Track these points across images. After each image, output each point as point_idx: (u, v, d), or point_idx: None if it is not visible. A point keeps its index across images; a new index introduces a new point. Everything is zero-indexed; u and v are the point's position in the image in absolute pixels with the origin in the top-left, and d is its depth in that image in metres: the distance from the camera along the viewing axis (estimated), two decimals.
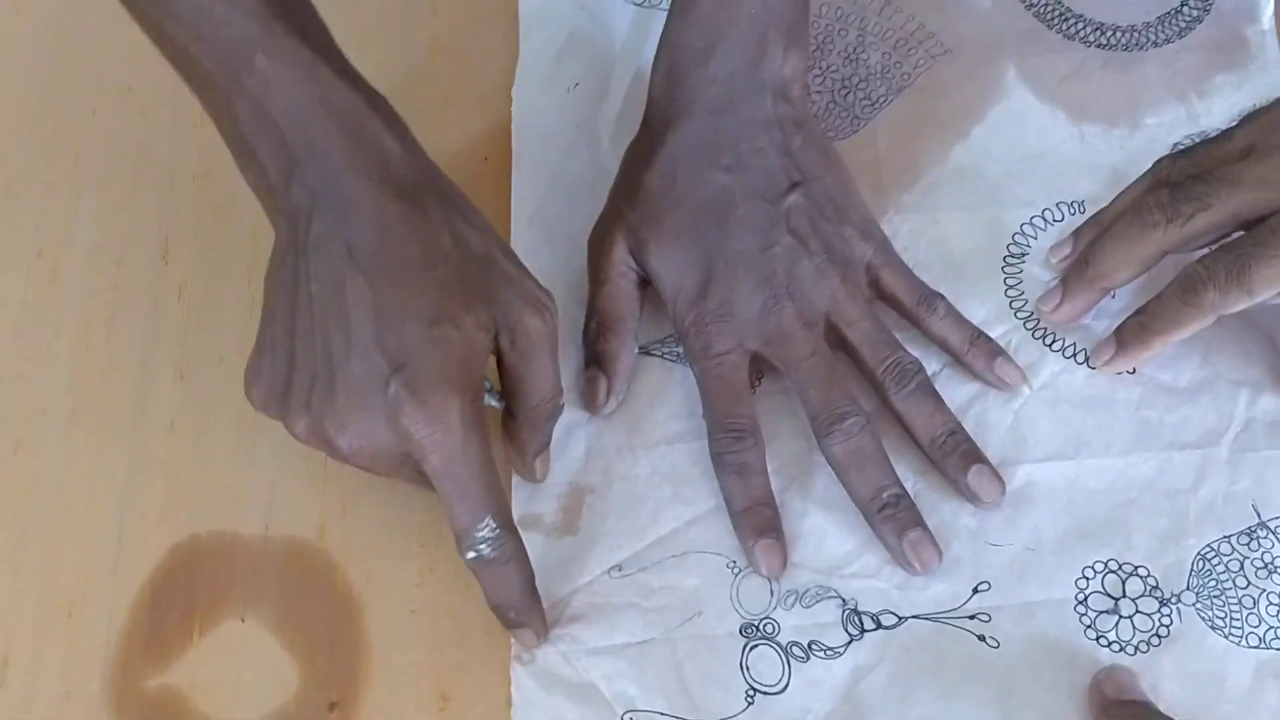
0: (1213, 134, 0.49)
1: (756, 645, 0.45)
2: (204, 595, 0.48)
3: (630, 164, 0.51)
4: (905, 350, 0.48)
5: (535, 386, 0.44)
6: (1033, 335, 0.51)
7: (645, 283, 0.51)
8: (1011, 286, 0.52)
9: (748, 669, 0.45)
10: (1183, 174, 0.47)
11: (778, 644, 0.45)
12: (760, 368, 0.49)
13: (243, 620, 0.48)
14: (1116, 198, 0.50)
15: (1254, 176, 0.45)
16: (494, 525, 0.42)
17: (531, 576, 0.44)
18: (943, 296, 0.50)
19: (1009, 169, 0.54)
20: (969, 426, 0.48)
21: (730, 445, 0.47)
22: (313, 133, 0.42)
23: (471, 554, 0.42)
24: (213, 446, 0.51)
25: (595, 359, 0.50)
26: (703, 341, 0.48)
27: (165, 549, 0.49)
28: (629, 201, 0.50)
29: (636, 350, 0.50)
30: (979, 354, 0.49)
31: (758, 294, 0.48)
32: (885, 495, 0.46)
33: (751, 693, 0.44)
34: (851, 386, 0.47)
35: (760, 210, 0.49)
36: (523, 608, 0.44)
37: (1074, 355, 0.50)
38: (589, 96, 0.56)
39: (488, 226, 0.45)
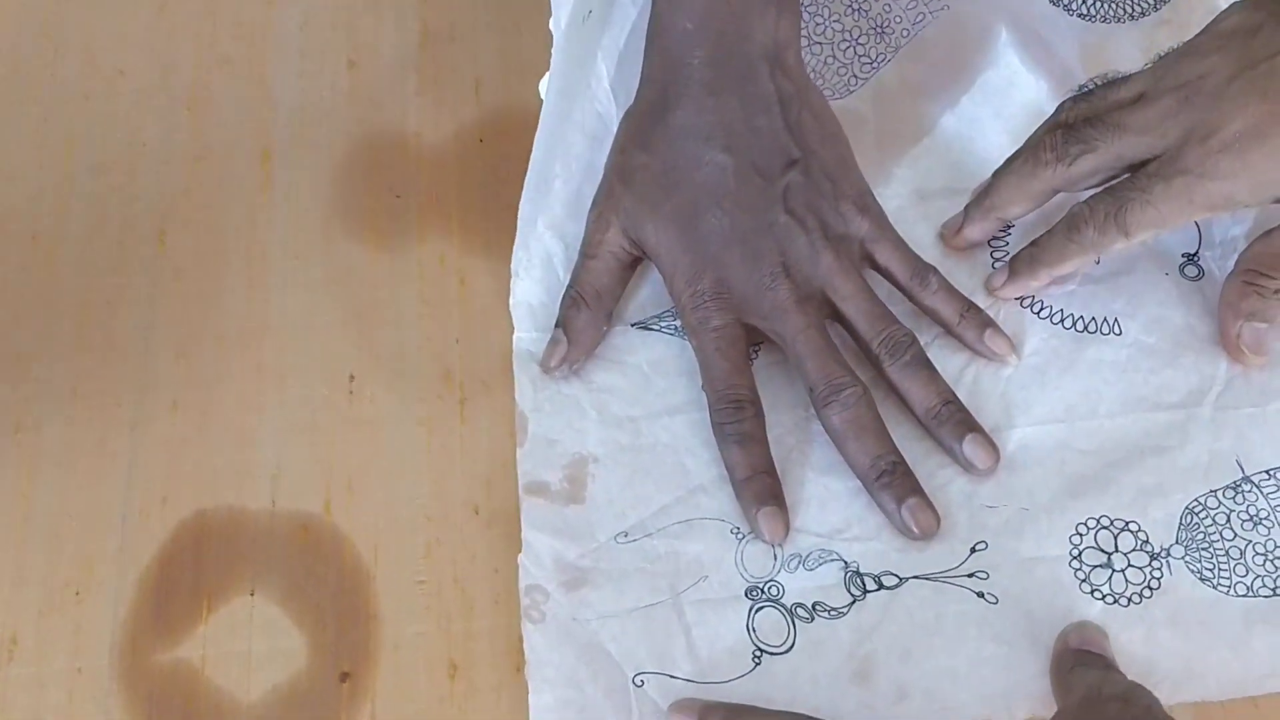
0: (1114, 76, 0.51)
1: (762, 607, 0.46)
2: (212, 570, 0.48)
3: (627, 140, 0.52)
4: (899, 323, 0.49)
5: None
6: (1020, 304, 0.52)
7: (634, 263, 0.52)
8: (999, 260, 0.53)
9: (754, 630, 0.46)
10: (1079, 116, 0.49)
11: (782, 605, 0.46)
12: (757, 339, 0.50)
13: (252, 594, 0.48)
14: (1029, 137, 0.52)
15: (1140, 122, 0.47)
16: None
17: None
18: (935, 270, 0.51)
19: (995, 141, 0.55)
20: (961, 394, 0.49)
21: (731, 416, 0.48)
22: None
23: None
24: (216, 424, 0.51)
25: (565, 326, 0.50)
26: (700, 316, 0.49)
27: (172, 526, 0.49)
28: (625, 183, 0.51)
29: (606, 327, 0.51)
30: (970, 326, 0.50)
31: (754, 272, 0.49)
32: (883, 464, 0.47)
33: (758, 653, 0.45)
34: (847, 358, 0.48)
35: (758, 189, 0.49)
36: None
37: (1060, 322, 0.52)
38: (596, 27, 0.54)
39: None
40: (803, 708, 0.44)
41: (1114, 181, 0.49)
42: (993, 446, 0.48)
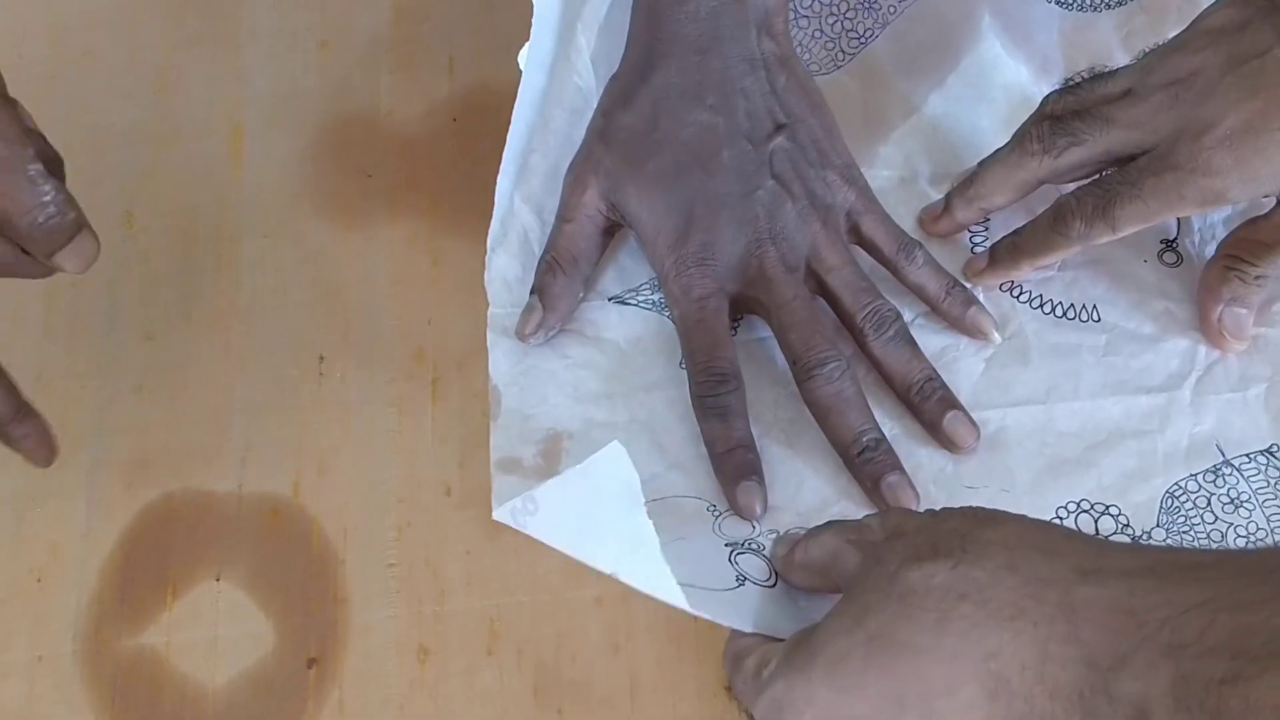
0: (1101, 70, 0.51)
1: (743, 553, 0.45)
2: (178, 555, 0.47)
3: (610, 103, 0.51)
4: (884, 298, 0.49)
5: (15, 206, 0.41)
6: (1000, 288, 0.51)
7: (611, 229, 0.51)
8: (979, 246, 0.53)
9: (736, 562, 0.44)
10: (1066, 109, 0.49)
11: (764, 556, 0.45)
12: (739, 312, 0.50)
13: (218, 579, 0.47)
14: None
15: (1128, 118, 0.47)
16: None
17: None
18: (921, 244, 0.50)
19: (978, 124, 0.54)
20: (942, 374, 0.48)
21: (712, 389, 0.47)
22: None
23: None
24: (183, 407, 0.50)
25: (540, 293, 0.49)
26: (683, 285, 0.48)
27: (137, 510, 0.48)
28: (607, 144, 0.50)
29: (582, 294, 0.50)
30: (954, 302, 0.50)
31: (740, 238, 0.48)
32: (864, 439, 0.46)
33: (742, 578, 0.44)
34: (831, 331, 0.48)
35: (744, 153, 0.49)
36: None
37: (1040, 307, 0.51)
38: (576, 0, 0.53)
39: None
40: (788, 628, 0.41)
41: (1100, 175, 0.49)
42: (973, 425, 0.47)
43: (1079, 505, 0.47)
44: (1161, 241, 0.52)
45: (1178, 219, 0.52)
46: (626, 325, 0.51)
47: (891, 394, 0.48)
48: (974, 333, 0.50)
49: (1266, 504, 0.47)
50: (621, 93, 0.51)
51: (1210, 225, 0.52)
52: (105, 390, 0.51)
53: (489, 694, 0.44)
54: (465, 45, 0.58)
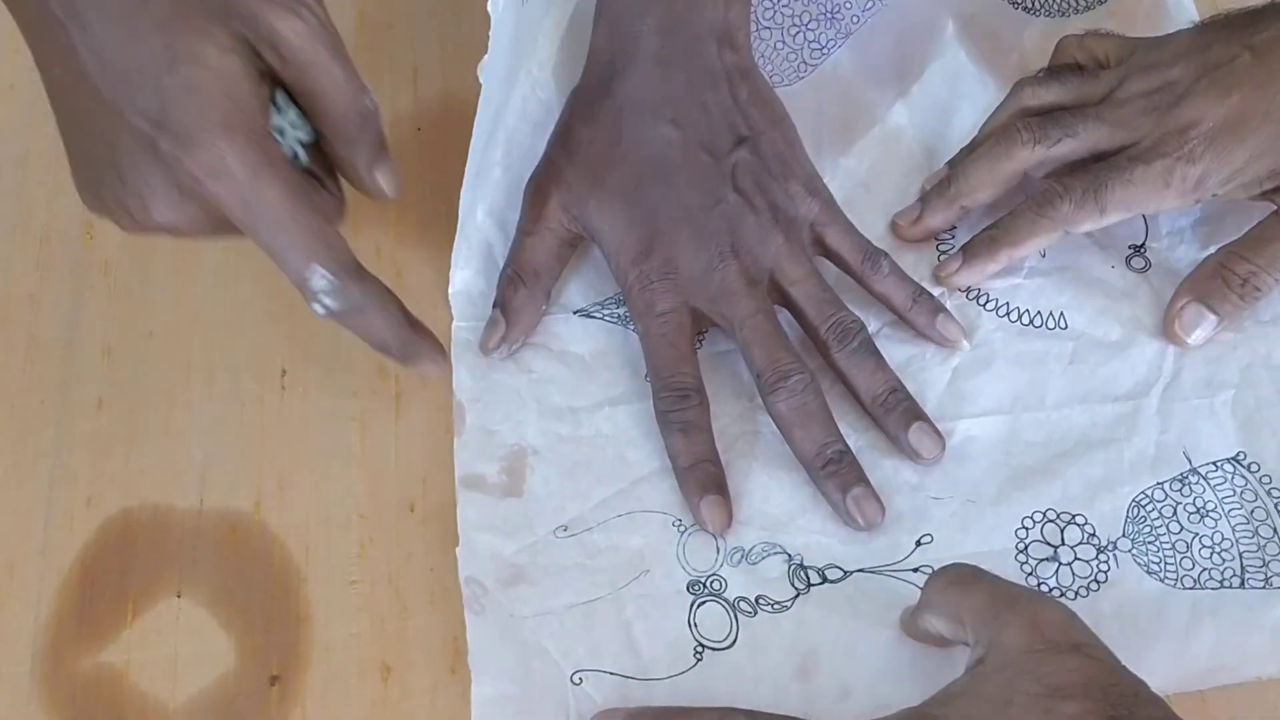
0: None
1: (704, 602, 0.45)
2: (138, 572, 0.47)
3: (572, 115, 0.51)
4: (848, 309, 0.48)
5: (329, 96, 0.39)
6: (967, 297, 0.51)
7: (573, 241, 0.50)
8: (944, 252, 0.52)
9: (696, 625, 0.45)
10: (1052, 103, 0.51)
11: (725, 600, 0.45)
12: (703, 326, 0.49)
13: (179, 596, 0.46)
14: (984, 125, 0.53)
15: (1114, 117, 0.49)
16: (326, 273, 0.39)
17: (398, 312, 0.41)
18: (886, 254, 0.50)
19: (940, 133, 0.54)
20: (908, 385, 0.48)
21: (675, 404, 0.47)
22: None
23: (318, 308, 0.39)
24: (143, 422, 0.50)
25: (502, 306, 0.49)
26: (646, 300, 0.48)
27: (96, 527, 0.48)
28: (569, 157, 0.50)
29: (545, 307, 0.50)
30: (921, 311, 0.49)
31: (702, 252, 0.48)
32: (829, 452, 0.46)
33: (700, 649, 0.44)
34: (795, 345, 0.48)
35: (706, 166, 0.49)
36: (401, 343, 0.42)
37: (1007, 314, 0.51)
38: (538, 9, 0.53)
39: None
40: (743, 704, 0.43)
41: (1080, 167, 0.50)
42: (938, 436, 0.47)
43: (1045, 515, 0.47)
44: (1130, 246, 0.52)
45: (1145, 222, 0.52)
46: (591, 338, 0.50)
47: (857, 406, 0.48)
48: (942, 340, 0.49)
49: (1232, 513, 0.46)
50: (583, 105, 0.50)
51: (1179, 230, 0.53)
52: (64, 405, 0.50)
53: (452, 712, 0.44)
54: (430, 55, 0.57)
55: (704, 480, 0.46)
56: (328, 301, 0.39)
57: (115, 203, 0.39)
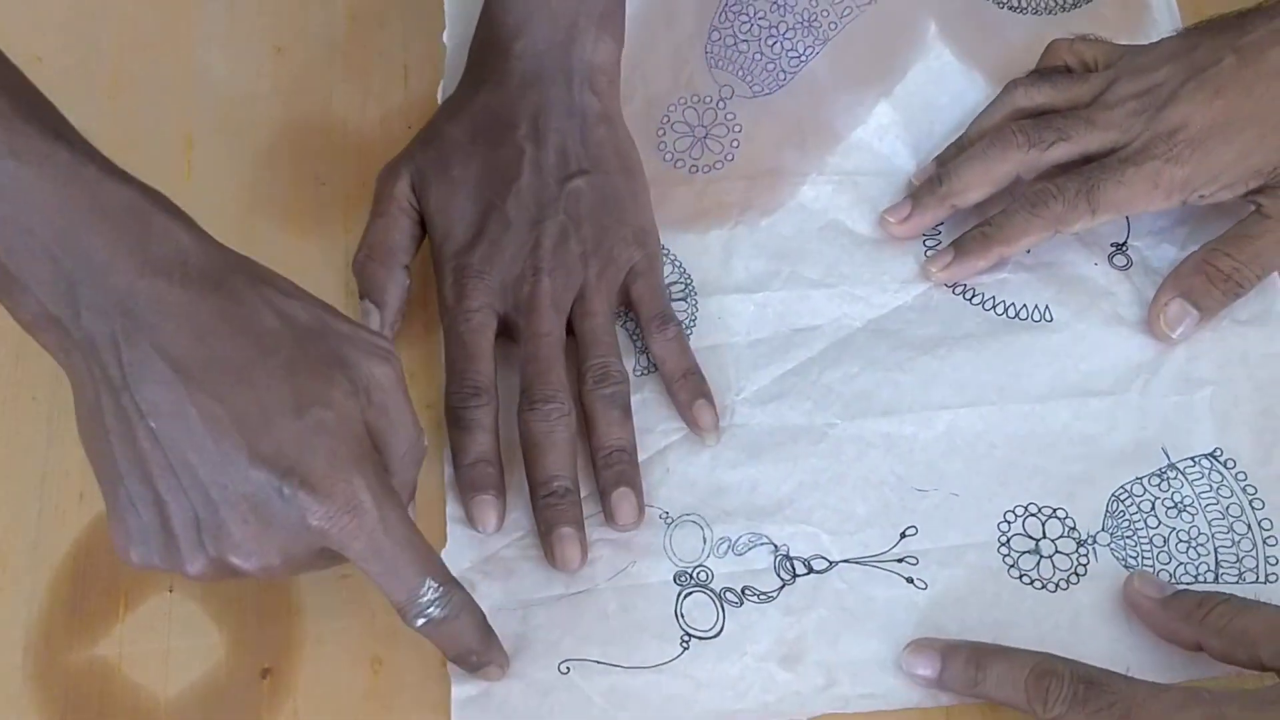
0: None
1: (690, 593, 0.46)
2: (130, 566, 0.47)
3: (439, 114, 0.53)
4: (621, 362, 0.49)
5: (399, 435, 0.41)
6: (953, 291, 0.52)
7: (424, 223, 0.51)
8: (930, 248, 0.53)
9: (682, 616, 0.45)
10: (1044, 106, 0.52)
11: (711, 590, 0.46)
12: (503, 333, 0.49)
13: (170, 590, 0.47)
14: (973, 123, 0.54)
15: (1104, 120, 0.51)
16: (435, 584, 0.40)
17: (483, 617, 0.42)
18: (679, 323, 0.50)
19: (927, 130, 0.55)
20: (891, 373, 0.49)
21: (464, 400, 0.47)
22: (89, 241, 0.37)
23: (421, 620, 0.41)
24: None
25: (363, 288, 0.50)
26: (457, 292, 0.49)
27: (88, 521, 0.48)
28: (424, 144, 0.52)
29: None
30: (685, 387, 0.49)
31: (519, 261, 0.49)
32: (555, 484, 0.46)
33: (686, 638, 0.45)
34: (566, 376, 0.48)
35: (544, 184, 0.50)
36: (483, 649, 0.43)
37: (993, 309, 0.52)
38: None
39: (303, 291, 0.41)
40: (730, 694, 0.44)
41: (1071, 168, 0.51)
42: (639, 510, 0.47)
43: (1026, 509, 0.48)
44: (1112, 244, 0.53)
45: (1128, 221, 0.53)
46: None
47: (861, 387, 0.49)
48: (693, 424, 0.49)
49: (1209, 509, 0.47)
50: (450, 107, 0.52)
51: (1160, 229, 0.53)
52: (56, 400, 0.50)
53: (442, 704, 0.44)
54: (420, 52, 0.58)
55: (480, 480, 0.47)
56: (433, 612, 0.40)
57: (199, 552, 0.39)
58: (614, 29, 0.53)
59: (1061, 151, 0.51)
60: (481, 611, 0.42)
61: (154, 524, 0.39)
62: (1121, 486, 0.48)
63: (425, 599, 0.40)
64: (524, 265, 0.49)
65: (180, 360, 0.37)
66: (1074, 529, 0.47)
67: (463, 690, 0.44)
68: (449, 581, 0.41)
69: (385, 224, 0.50)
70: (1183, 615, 0.43)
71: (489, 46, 0.52)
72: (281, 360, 0.38)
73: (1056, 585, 0.46)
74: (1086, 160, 0.51)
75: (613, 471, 0.47)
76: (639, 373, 0.50)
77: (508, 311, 0.49)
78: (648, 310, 0.50)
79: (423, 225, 0.51)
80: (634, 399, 0.49)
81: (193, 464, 0.37)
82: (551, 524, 0.46)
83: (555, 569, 0.46)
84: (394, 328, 0.50)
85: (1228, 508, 0.47)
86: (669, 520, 0.47)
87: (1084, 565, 0.46)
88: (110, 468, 0.39)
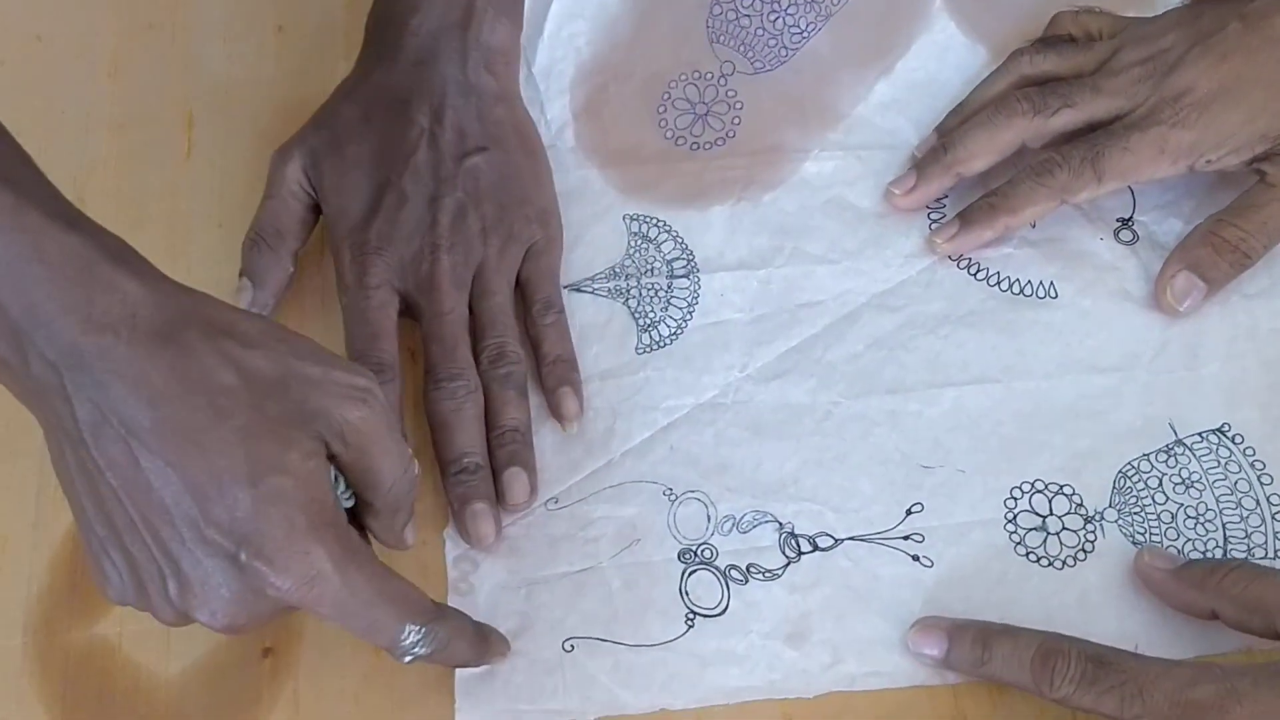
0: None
1: (695, 570, 0.46)
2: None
3: (332, 97, 0.52)
4: (517, 343, 0.48)
5: (384, 472, 0.40)
6: (957, 266, 0.52)
7: (315, 208, 0.50)
8: (935, 222, 0.53)
9: (687, 593, 0.45)
10: (1046, 74, 0.52)
11: (716, 568, 0.46)
12: (403, 311, 0.49)
13: None
14: (974, 91, 0.54)
15: (1111, 86, 0.51)
16: (415, 628, 0.39)
17: (474, 631, 0.42)
18: (562, 311, 0.50)
19: (931, 105, 0.55)
20: (897, 352, 0.49)
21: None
22: (31, 293, 0.35)
23: (409, 659, 0.40)
24: None
25: (245, 271, 0.49)
26: (355, 271, 0.48)
27: None
28: (317, 127, 0.51)
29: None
30: (553, 374, 0.48)
31: (416, 237, 0.48)
32: (465, 461, 0.46)
33: (691, 616, 0.45)
34: (471, 354, 0.47)
35: (440, 160, 0.49)
36: (479, 658, 0.42)
37: (997, 284, 0.51)
38: None
39: (267, 331, 0.38)
40: (735, 672, 0.43)
41: (1076, 137, 0.51)
42: (530, 487, 0.46)
43: (1033, 485, 0.47)
44: (1118, 220, 0.53)
45: (1133, 195, 0.53)
46: (582, 311, 0.51)
47: (851, 371, 0.49)
48: (554, 410, 0.48)
49: (1216, 484, 0.47)
50: (345, 87, 0.52)
51: (1166, 204, 0.53)
52: None
53: (443, 684, 0.44)
54: None
55: None
56: (419, 651, 0.40)
57: (168, 605, 0.38)
58: (513, 11, 0.53)
59: (1067, 118, 0.50)
60: (471, 626, 0.42)
61: (126, 572, 0.38)
62: (1129, 463, 0.47)
63: (408, 642, 0.39)
64: (421, 242, 0.48)
65: (130, 421, 0.35)
66: (1081, 505, 0.47)
67: (465, 669, 0.43)
68: (430, 618, 0.40)
69: (274, 206, 0.50)
70: (1196, 583, 0.43)
71: (385, 22, 0.52)
72: (237, 424, 0.36)
73: (1064, 562, 0.46)
74: (1092, 128, 0.50)
75: (505, 451, 0.46)
76: (640, 351, 0.50)
77: (407, 290, 0.48)
78: (536, 292, 0.49)
79: (315, 209, 0.50)
80: (635, 377, 0.49)
81: (154, 525, 0.36)
82: (465, 500, 0.45)
83: (470, 546, 0.46)
84: (268, 309, 0.49)
85: (1235, 483, 0.47)
86: (673, 498, 0.47)
87: (1091, 542, 0.46)
88: (81, 513, 0.38)
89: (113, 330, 0.35)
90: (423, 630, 0.39)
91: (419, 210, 0.48)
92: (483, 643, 0.42)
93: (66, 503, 0.46)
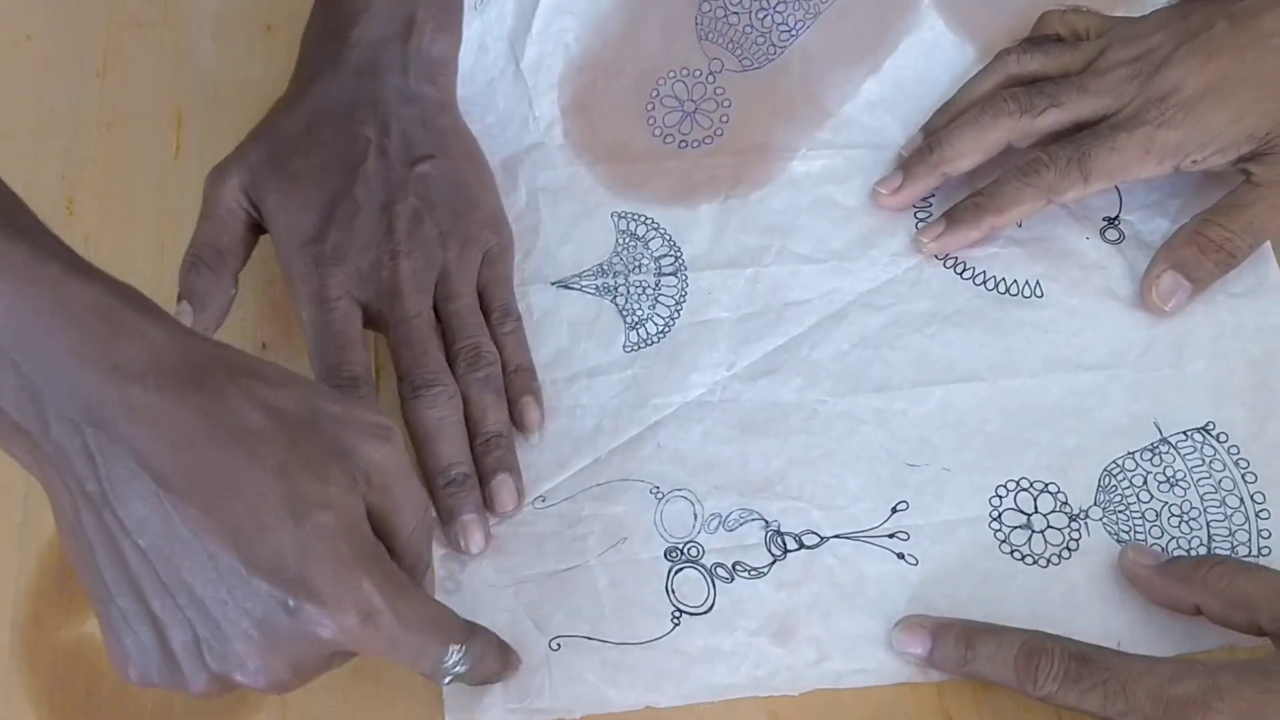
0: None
1: (681, 569, 0.46)
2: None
3: (274, 109, 0.51)
4: (489, 341, 0.48)
5: (405, 514, 0.39)
6: (944, 265, 0.52)
7: (254, 227, 0.49)
8: (921, 221, 0.53)
9: (673, 591, 0.45)
10: (1035, 74, 0.52)
11: (702, 566, 0.46)
12: (366, 322, 0.48)
13: None
14: (961, 90, 0.54)
15: (1098, 86, 0.51)
16: (457, 648, 0.39)
17: (499, 642, 0.42)
18: (519, 318, 0.50)
19: (919, 104, 0.55)
20: (884, 351, 0.49)
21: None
22: (51, 346, 0.34)
23: (448, 679, 0.40)
24: None
25: (185, 293, 0.47)
26: (314, 286, 0.46)
27: None
28: (256, 143, 0.49)
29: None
30: (514, 383, 0.48)
31: (373, 246, 0.47)
32: (453, 472, 0.46)
33: (677, 614, 0.45)
34: (444, 357, 0.47)
35: (390, 167, 0.49)
36: (504, 670, 0.42)
37: (984, 284, 0.52)
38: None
39: (289, 375, 0.38)
40: (722, 669, 0.44)
41: (1063, 137, 0.51)
42: (517, 494, 0.46)
43: (1018, 483, 0.47)
44: (1104, 219, 0.53)
45: (1120, 195, 0.53)
46: (570, 307, 0.51)
47: (840, 368, 0.49)
48: (517, 421, 0.48)
49: (1201, 483, 0.47)
50: (284, 101, 0.51)
51: (1152, 203, 0.53)
52: None
53: (430, 683, 0.44)
54: None
55: None
56: (459, 670, 0.39)
57: (202, 670, 0.36)
58: (452, 23, 0.52)
59: (1053, 118, 0.51)
60: (496, 638, 0.41)
61: (151, 643, 0.36)
62: (1114, 461, 0.48)
63: (450, 663, 0.39)
64: (379, 250, 0.47)
65: (162, 472, 0.34)
66: (1066, 504, 0.47)
67: None
68: (468, 635, 0.40)
69: (212, 227, 0.48)
70: (1180, 578, 0.43)
71: (323, 34, 0.51)
72: (272, 463, 0.35)
73: (1048, 560, 0.46)
74: (1079, 128, 0.51)
75: (492, 458, 0.46)
76: (628, 349, 0.50)
77: (369, 299, 0.47)
78: (494, 300, 0.49)
79: (255, 228, 0.49)
80: (622, 375, 0.49)
81: (188, 582, 0.35)
82: (454, 512, 0.45)
83: (462, 554, 0.45)
84: (210, 333, 0.47)
85: (1220, 481, 0.47)
86: (660, 496, 0.47)
87: (1076, 540, 0.46)
88: (99, 585, 0.36)
89: (138, 377, 0.34)
90: (463, 649, 0.39)
91: (373, 218, 0.48)
92: (507, 655, 0.42)
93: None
